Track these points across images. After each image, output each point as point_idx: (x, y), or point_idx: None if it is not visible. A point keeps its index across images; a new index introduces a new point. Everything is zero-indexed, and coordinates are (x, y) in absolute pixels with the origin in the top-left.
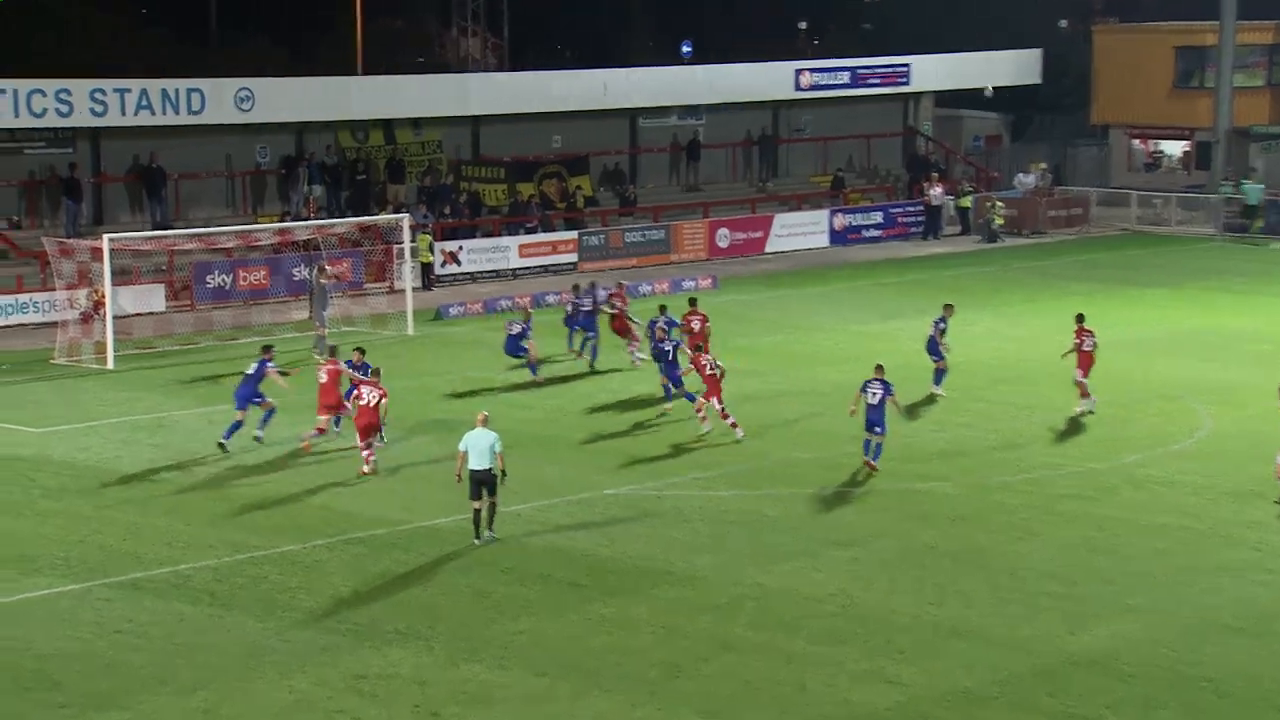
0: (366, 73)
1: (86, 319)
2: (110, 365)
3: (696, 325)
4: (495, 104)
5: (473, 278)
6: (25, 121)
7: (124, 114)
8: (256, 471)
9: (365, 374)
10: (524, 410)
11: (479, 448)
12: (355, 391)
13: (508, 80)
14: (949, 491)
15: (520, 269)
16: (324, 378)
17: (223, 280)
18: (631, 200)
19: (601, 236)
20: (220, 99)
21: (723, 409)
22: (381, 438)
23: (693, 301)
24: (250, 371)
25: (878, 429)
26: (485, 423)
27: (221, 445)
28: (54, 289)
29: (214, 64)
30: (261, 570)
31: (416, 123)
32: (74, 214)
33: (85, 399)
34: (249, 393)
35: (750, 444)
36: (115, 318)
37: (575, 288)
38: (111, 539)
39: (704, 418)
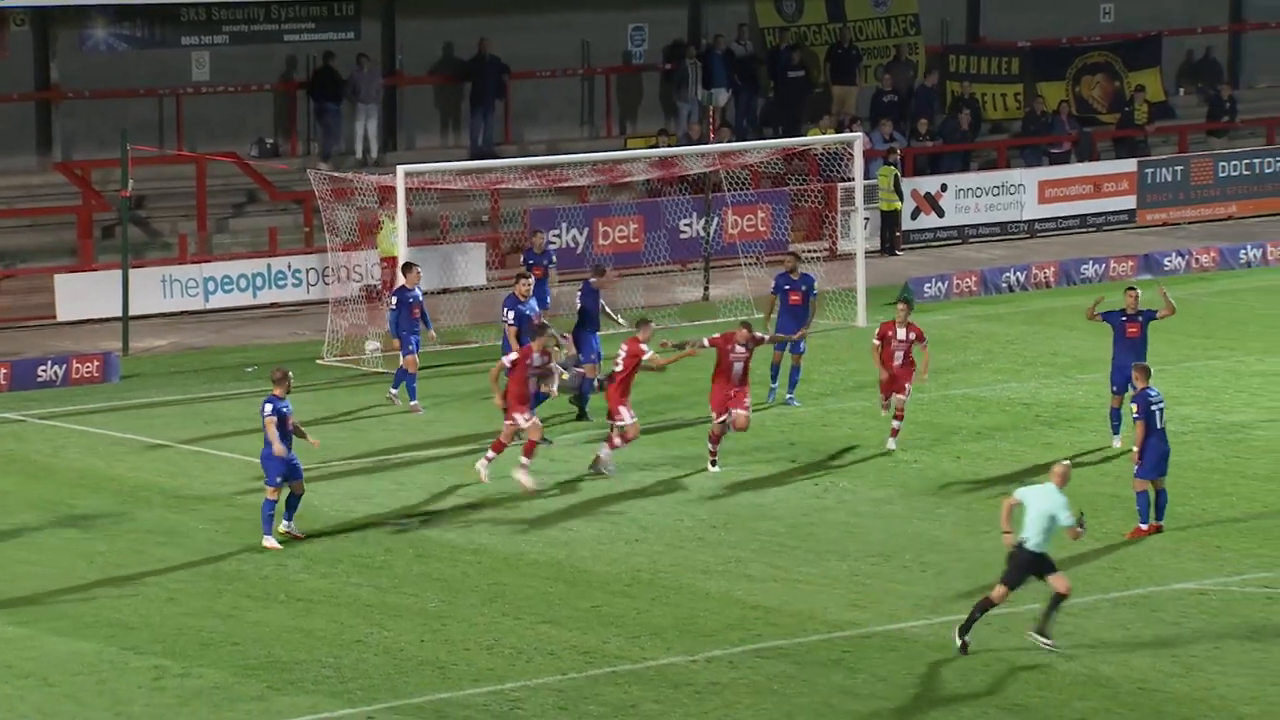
0: None
1: (372, 297)
2: None
3: None
4: None
5: (962, 235)
6: None
7: None
8: (605, 538)
9: None
10: None
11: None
12: None
13: None
14: None
15: (1042, 221)
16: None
17: (573, 238)
18: (1227, 109)
19: (1178, 169)
20: None
21: None
22: None
23: None
24: None
25: None
26: (1064, 479)
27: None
28: (324, 249)
29: None
30: (628, 694)
31: None
32: (353, 133)
33: (369, 423)
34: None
35: None
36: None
37: None
38: (405, 639)
39: None
